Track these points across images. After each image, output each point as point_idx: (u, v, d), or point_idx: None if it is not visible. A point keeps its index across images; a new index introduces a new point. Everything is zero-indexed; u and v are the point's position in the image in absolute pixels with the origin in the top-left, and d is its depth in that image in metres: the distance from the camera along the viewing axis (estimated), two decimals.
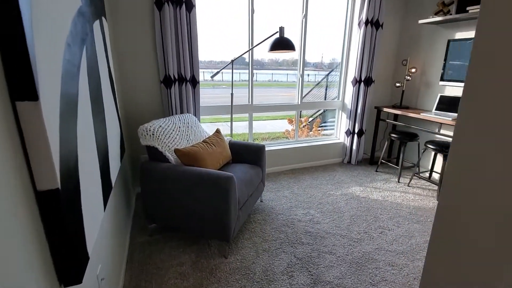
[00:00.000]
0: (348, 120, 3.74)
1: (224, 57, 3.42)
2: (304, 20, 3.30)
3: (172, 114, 2.75)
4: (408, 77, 3.43)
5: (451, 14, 2.88)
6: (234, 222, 1.92)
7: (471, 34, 2.89)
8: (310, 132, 5.35)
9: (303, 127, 5.30)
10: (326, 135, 4.40)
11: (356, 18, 3.48)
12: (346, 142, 3.86)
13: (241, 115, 3.45)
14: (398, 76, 3.76)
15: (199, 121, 2.83)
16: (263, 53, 3.88)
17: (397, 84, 3.52)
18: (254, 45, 2.95)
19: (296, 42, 3.42)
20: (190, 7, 2.55)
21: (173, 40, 2.58)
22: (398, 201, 2.89)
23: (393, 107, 3.56)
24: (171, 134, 2.21)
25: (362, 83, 3.55)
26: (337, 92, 3.93)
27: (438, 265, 1.02)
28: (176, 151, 2.01)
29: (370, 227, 2.40)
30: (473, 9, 2.62)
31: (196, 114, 2.89)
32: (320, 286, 1.77)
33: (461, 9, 2.77)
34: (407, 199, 2.93)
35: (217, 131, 2.48)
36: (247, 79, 3.28)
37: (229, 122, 2.99)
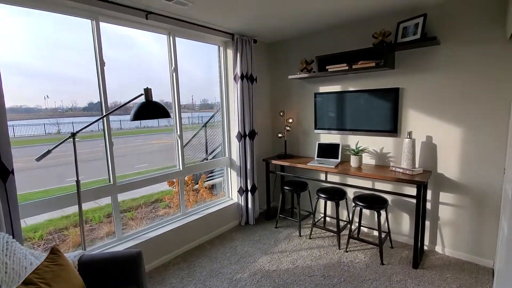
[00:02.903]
0: (239, 178, 3.39)
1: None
2: (174, 74, 2.81)
3: None
4: (288, 128, 3.47)
5: (314, 72, 3.11)
6: None
7: (331, 88, 3.20)
8: (198, 193, 4.69)
9: (188, 187, 4.59)
10: (217, 195, 3.89)
11: (231, 73, 3.31)
12: (240, 202, 3.46)
13: (99, 203, 2.45)
14: (279, 127, 3.80)
15: (15, 239, 1.70)
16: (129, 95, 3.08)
17: (279, 135, 3.50)
18: (109, 111, 2.17)
19: (167, 96, 2.86)
20: None
21: None
22: (307, 263, 2.63)
23: (279, 157, 3.49)
24: None
25: (247, 137, 3.32)
26: (220, 134, 3.56)
27: None
28: None
29: None
30: (331, 68, 2.88)
31: (11, 228, 1.73)
32: None
33: (321, 67, 3.02)
34: (314, 257, 2.72)
35: (54, 251, 1.49)
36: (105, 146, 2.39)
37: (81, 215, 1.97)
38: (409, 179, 2.39)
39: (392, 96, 2.75)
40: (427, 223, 2.74)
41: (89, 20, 2.24)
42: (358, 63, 2.70)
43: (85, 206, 2.96)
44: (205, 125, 4.91)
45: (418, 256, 2.48)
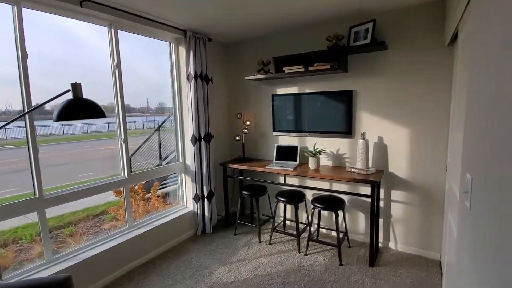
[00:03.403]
0: (195, 184, 3.16)
1: None
2: (117, 71, 2.52)
3: None
4: (245, 130, 3.36)
5: (271, 73, 3.05)
6: None
7: (289, 90, 3.18)
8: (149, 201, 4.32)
9: (139, 196, 4.21)
10: (172, 204, 3.61)
11: (183, 71, 3.10)
12: (196, 209, 3.23)
13: (31, 218, 2.06)
14: (236, 129, 3.67)
15: None
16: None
17: (237, 138, 3.37)
18: (28, 109, 1.82)
19: (110, 95, 2.55)
20: None
21: None
22: (267, 270, 2.52)
23: (237, 161, 3.35)
24: None
25: (202, 141, 3.13)
26: (174, 139, 3.31)
27: None
28: None
29: None
30: (288, 69, 2.85)
31: None
32: None
33: (278, 69, 2.98)
34: (274, 263, 2.62)
35: None
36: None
37: None
38: (364, 179, 2.44)
39: (346, 99, 2.81)
40: (381, 220, 2.82)
41: (10, 5, 1.88)
42: (314, 65, 2.71)
43: (14, 222, 2.47)
44: (158, 129, 4.57)
45: (374, 254, 2.53)
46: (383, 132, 2.70)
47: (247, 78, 3.17)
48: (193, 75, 2.99)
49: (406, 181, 2.65)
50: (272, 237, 3.11)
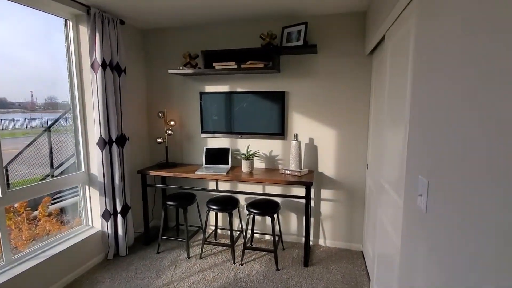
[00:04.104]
0: (104, 198, 2.56)
1: None
2: None
3: None
4: (169, 131, 2.94)
5: (199, 68, 2.75)
6: None
7: (219, 88, 2.94)
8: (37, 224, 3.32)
9: (21, 216, 3.18)
10: (70, 223, 2.84)
11: (86, 57, 2.47)
12: (106, 229, 2.63)
13: None
14: (158, 130, 3.18)
15: None
16: None
17: (159, 140, 2.92)
18: None
19: None
20: None
21: None
22: None
23: (159, 166, 2.90)
24: None
25: (114, 144, 2.56)
26: (72, 141, 2.63)
27: None
28: None
29: None
30: (219, 65, 2.61)
31: None
32: None
33: (208, 64, 2.70)
34: (208, 280, 2.34)
35: None
36: None
37: None
38: (298, 181, 2.42)
39: (279, 99, 2.76)
40: (311, 219, 2.90)
41: None
42: (247, 63, 2.55)
43: None
44: (48, 130, 3.59)
45: (308, 255, 2.56)
46: (313, 133, 2.77)
47: (170, 72, 2.77)
48: (99, 63, 2.41)
49: (333, 180, 2.79)
50: (204, 250, 2.80)
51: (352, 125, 2.66)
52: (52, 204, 3.54)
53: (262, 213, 2.49)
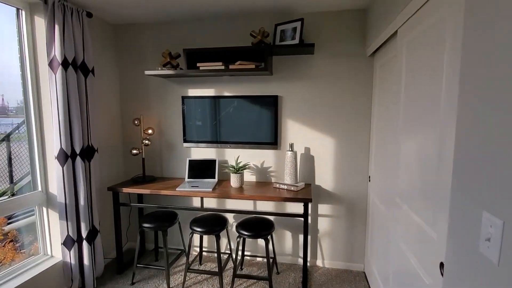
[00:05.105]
0: (65, 222, 2.14)
1: None
2: None
3: None
4: (146, 141, 2.56)
5: (181, 69, 2.41)
6: None
7: (204, 91, 2.60)
8: None
9: None
10: (25, 253, 2.37)
11: (43, 54, 2.07)
12: (68, 258, 2.20)
13: None
14: (133, 140, 2.79)
15: None
16: None
17: (134, 151, 2.53)
18: None
19: None
20: None
21: None
22: None
23: (135, 182, 2.51)
24: None
25: (78, 158, 2.15)
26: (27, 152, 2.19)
27: None
28: None
29: None
30: (204, 66, 2.29)
31: None
32: None
33: (191, 64, 2.37)
34: None
35: None
36: None
37: None
38: (295, 197, 2.13)
39: (271, 105, 2.47)
40: (308, 238, 2.61)
41: None
42: (236, 64, 2.25)
43: None
44: (8, 138, 3.09)
45: (307, 279, 2.26)
46: (309, 143, 2.50)
47: (148, 73, 2.40)
48: (60, 62, 2.01)
49: (332, 194, 2.53)
50: (187, 278, 2.43)
51: (352, 134, 2.41)
52: (9, 223, 3.01)
53: (255, 235, 2.17)
